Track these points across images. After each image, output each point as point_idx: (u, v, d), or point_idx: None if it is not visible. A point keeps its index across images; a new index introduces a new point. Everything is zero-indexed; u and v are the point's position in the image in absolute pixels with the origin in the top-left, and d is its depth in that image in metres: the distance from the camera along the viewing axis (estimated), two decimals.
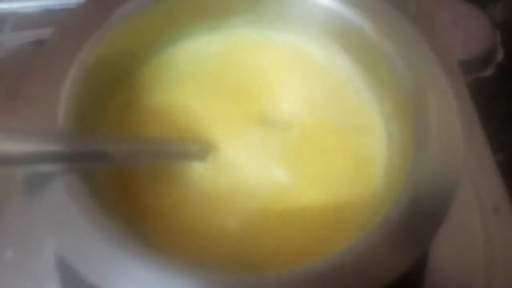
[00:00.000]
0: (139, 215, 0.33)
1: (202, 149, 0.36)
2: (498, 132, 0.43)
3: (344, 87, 0.39)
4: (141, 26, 0.37)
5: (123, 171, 0.35)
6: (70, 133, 0.31)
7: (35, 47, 0.46)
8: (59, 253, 0.30)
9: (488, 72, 0.51)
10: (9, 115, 0.41)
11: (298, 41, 0.41)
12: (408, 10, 0.47)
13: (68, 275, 0.35)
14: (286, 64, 0.41)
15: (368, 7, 0.36)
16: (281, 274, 0.27)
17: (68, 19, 0.36)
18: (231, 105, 0.38)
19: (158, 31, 0.38)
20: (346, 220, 0.33)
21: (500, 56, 0.53)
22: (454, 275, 0.36)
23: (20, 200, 0.36)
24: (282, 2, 0.39)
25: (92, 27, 0.35)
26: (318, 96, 0.39)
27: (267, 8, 0.40)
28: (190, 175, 0.35)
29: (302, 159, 0.36)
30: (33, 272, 0.36)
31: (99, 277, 0.26)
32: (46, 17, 0.48)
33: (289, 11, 0.40)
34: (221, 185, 0.35)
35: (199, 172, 0.35)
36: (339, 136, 0.37)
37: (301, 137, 0.37)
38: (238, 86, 0.39)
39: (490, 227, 0.38)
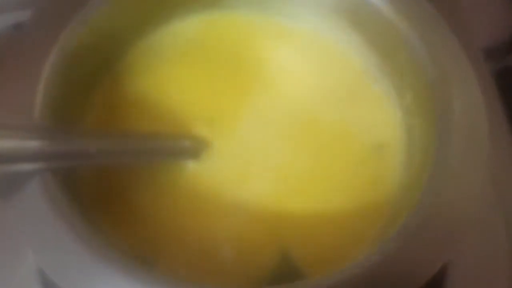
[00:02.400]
0: (121, 219, 0.31)
1: (195, 145, 0.33)
2: None
3: (358, 74, 0.37)
4: (126, 7, 0.34)
5: (105, 170, 0.32)
6: (48, 129, 0.29)
7: (13, 31, 0.43)
8: (37, 266, 0.29)
9: None
10: None
11: (305, 22, 0.38)
12: None
13: (51, 285, 0.33)
14: (291, 49, 0.38)
15: None
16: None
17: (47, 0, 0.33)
18: (225, 93, 0.36)
19: (144, 12, 0.36)
20: (362, 228, 0.31)
21: None
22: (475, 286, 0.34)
23: None
24: None
25: (73, 9, 0.32)
26: (329, 85, 0.36)
27: None
28: (179, 173, 0.33)
29: (310, 159, 0.34)
30: (14, 282, 0.34)
31: None
32: None
33: None
34: (212, 188, 0.32)
35: (189, 169, 0.33)
36: (353, 132, 0.35)
37: (309, 134, 0.34)
38: (232, 71, 0.37)
39: None
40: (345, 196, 0.32)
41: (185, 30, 0.37)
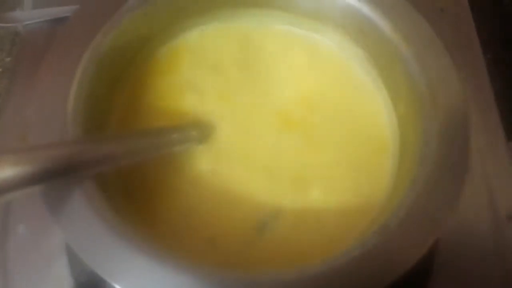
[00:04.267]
0: (140, 201, 0.34)
1: (201, 132, 0.36)
2: None
3: (358, 83, 0.38)
4: (155, 13, 0.37)
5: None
6: (75, 142, 0.30)
7: (54, 25, 0.46)
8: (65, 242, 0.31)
9: None
10: (27, 94, 0.43)
11: (314, 35, 0.40)
12: (437, 3, 0.46)
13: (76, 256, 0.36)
14: (298, 54, 0.40)
15: (388, 5, 0.35)
16: (274, 274, 0.27)
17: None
18: (241, 96, 0.38)
19: (169, 19, 0.38)
20: (351, 221, 0.33)
21: None
22: (460, 278, 0.36)
23: None
24: None
25: (111, 11, 0.35)
26: (330, 92, 0.38)
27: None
28: (194, 166, 0.35)
29: (309, 157, 0.36)
30: (43, 250, 0.37)
31: (102, 267, 0.27)
32: None
33: (305, 4, 0.39)
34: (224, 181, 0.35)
35: (203, 164, 0.35)
36: (354, 137, 0.37)
37: (311, 133, 0.37)
38: (250, 76, 0.39)
39: (502, 234, 0.38)
40: (343, 192, 0.34)
41: (205, 37, 0.40)
